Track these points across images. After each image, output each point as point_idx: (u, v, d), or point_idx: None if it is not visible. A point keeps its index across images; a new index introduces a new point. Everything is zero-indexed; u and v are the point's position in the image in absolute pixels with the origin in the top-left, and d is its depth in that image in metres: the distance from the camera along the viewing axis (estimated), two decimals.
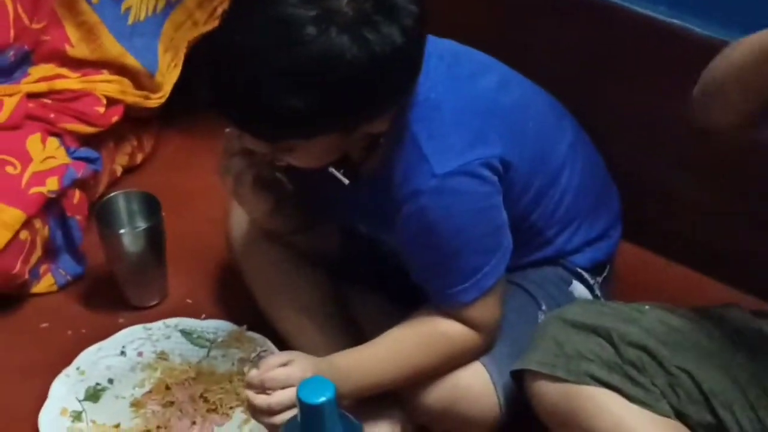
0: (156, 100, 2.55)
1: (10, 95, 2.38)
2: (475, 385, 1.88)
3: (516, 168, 1.84)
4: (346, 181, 1.85)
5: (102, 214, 2.27)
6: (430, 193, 1.76)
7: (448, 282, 1.83)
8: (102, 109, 2.44)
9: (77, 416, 2.05)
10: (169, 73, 2.56)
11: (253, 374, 1.79)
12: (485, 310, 1.85)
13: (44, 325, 2.29)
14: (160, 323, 2.18)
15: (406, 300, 1.95)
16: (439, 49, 1.83)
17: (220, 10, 2.52)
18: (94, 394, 2.08)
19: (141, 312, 2.28)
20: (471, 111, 1.81)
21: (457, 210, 1.78)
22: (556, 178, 1.95)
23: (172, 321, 2.19)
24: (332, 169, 1.84)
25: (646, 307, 1.81)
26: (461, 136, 1.78)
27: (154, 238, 2.25)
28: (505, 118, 1.85)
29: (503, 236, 1.84)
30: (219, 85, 1.69)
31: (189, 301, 2.31)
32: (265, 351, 2.10)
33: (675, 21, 2.08)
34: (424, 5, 1.67)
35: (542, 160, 1.92)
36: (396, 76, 1.68)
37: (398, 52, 1.63)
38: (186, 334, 2.17)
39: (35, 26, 2.40)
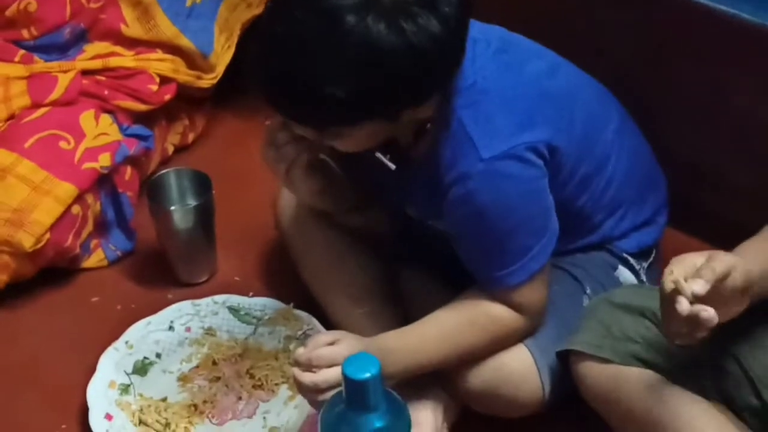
0: (208, 81, 2.56)
1: (65, 71, 2.39)
2: (519, 368, 1.88)
3: (562, 153, 1.83)
4: (393, 167, 1.84)
5: (153, 191, 2.28)
6: (477, 177, 1.76)
7: (496, 265, 1.82)
8: (155, 87, 2.45)
9: (125, 389, 2.06)
10: (222, 54, 2.56)
11: (300, 352, 1.79)
12: (532, 292, 1.85)
13: (95, 299, 2.31)
14: (208, 299, 2.19)
15: (456, 280, 1.95)
16: (486, 34, 1.83)
17: None
18: (142, 368, 2.09)
19: (190, 288, 2.29)
20: (518, 96, 1.80)
21: (505, 193, 1.78)
22: (603, 164, 1.94)
23: (220, 298, 2.19)
24: (379, 154, 1.84)
25: None
26: (507, 121, 1.78)
27: (204, 215, 2.26)
28: (552, 103, 1.84)
29: (550, 219, 1.84)
30: (263, 76, 1.69)
31: (237, 278, 2.32)
32: (311, 329, 2.10)
33: (734, 11, 2.06)
34: None
35: (588, 146, 1.91)
36: (436, 65, 1.66)
37: (437, 42, 1.62)
38: (233, 310, 2.17)
39: (92, 5, 2.42)
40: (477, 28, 1.77)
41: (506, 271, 1.82)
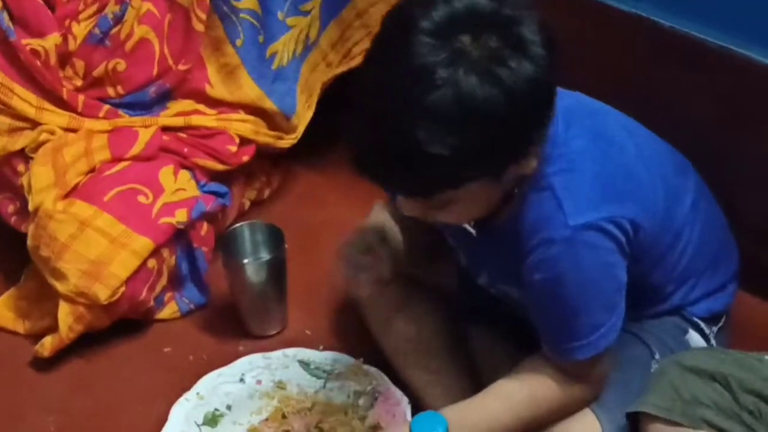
0: (289, 141, 2.52)
1: (147, 127, 2.38)
2: None
3: (645, 231, 1.77)
4: (474, 232, 1.80)
5: (227, 244, 2.26)
6: (561, 243, 1.70)
7: (566, 336, 1.77)
8: (234, 148, 2.43)
9: None
10: (303, 114, 2.53)
11: None
12: (598, 366, 1.80)
13: (167, 349, 2.29)
14: (279, 353, 2.14)
15: (524, 339, 1.90)
16: (579, 103, 1.79)
17: (355, 51, 2.51)
18: (212, 419, 2.06)
19: (260, 341, 2.26)
20: (608, 168, 1.75)
21: (585, 263, 1.72)
22: (678, 238, 1.88)
23: (290, 351, 2.15)
24: None
25: (766, 356, 1.75)
26: (597, 192, 1.72)
27: (277, 269, 2.23)
28: (638, 180, 1.78)
29: (621, 297, 1.78)
30: (363, 147, 1.62)
31: (308, 332, 2.29)
32: (380, 385, 2.05)
33: None
34: (551, 32, 1.60)
35: (667, 222, 1.85)
36: (533, 108, 1.60)
37: (531, 83, 1.55)
38: (304, 364, 2.13)
39: (180, 67, 2.40)
40: (568, 96, 1.73)
41: (575, 344, 1.76)
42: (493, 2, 1.58)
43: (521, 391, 1.81)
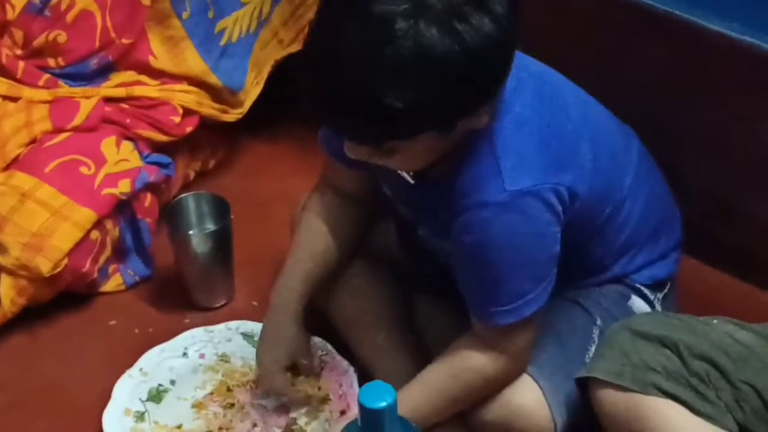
0: (234, 116, 2.46)
1: (88, 98, 2.31)
2: (528, 402, 1.77)
3: (582, 200, 1.72)
4: (412, 181, 1.75)
5: (171, 215, 2.20)
6: (496, 207, 1.65)
7: (491, 300, 1.72)
8: (177, 119, 2.35)
9: (140, 417, 1.98)
10: (251, 90, 2.47)
11: None
12: (518, 336, 1.75)
13: (112, 322, 2.23)
14: (221, 326, 2.09)
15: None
16: (530, 67, 1.74)
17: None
18: (156, 395, 2.01)
19: (207, 313, 2.21)
20: (553, 135, 1.69)
21: (519, 230, 1.66)
22: (619, 209, 1.84)
23: (233, 324, 2.09)
24: None
25: (715, 321, 1.71)
26: (539, 158, 1.67)
27: (222, 240, 2.17)
28: (582, 149, 1.73)
29: (552, 267, 1.72)
30: (316, 92, 1.56)
31: (255, 303, 2.23)
32: (326, 355, 2.00)
33: (755, 40, 1.97)
34: None
35: (608, 194, 1.81)
36: (491, 66, 1.54)
37: (490, 41, 1.50)
38: (247, 336, 2.07)
39: (124, 41, 2.33)
40: (521, 60, 1.66)
41: (498, 309, 1.71)
42: None
43: (444, 378, 1.79)
